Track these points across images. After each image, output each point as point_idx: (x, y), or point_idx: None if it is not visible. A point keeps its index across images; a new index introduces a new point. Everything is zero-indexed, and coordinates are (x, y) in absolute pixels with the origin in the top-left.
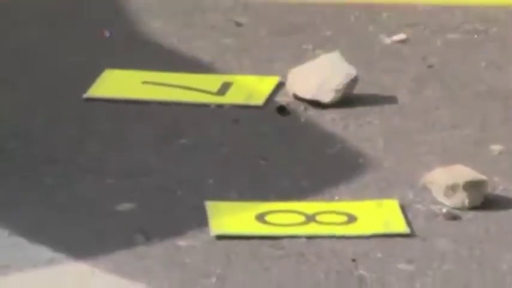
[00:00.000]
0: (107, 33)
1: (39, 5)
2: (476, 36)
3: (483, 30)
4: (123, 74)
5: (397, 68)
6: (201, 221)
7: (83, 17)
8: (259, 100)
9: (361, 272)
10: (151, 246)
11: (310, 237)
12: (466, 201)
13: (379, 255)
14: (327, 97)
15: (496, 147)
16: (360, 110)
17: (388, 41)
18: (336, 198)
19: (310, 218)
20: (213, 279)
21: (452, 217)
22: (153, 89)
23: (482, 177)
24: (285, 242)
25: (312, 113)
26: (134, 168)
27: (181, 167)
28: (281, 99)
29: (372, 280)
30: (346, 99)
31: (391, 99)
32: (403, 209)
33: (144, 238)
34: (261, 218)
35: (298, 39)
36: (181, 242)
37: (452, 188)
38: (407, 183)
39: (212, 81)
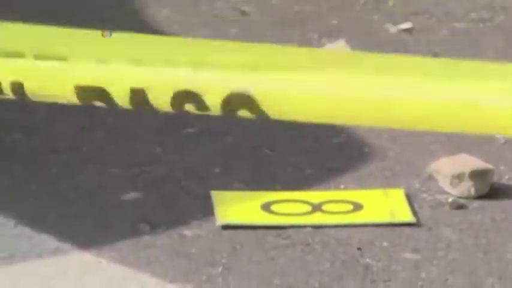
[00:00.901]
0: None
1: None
2: (482, 25)
3: (489, 19)
4: None
5: None
6: (207, 210)
7: (89, 5)
8: None
9: (367, 260)
10: (157, 235)
11: (315, 227)
12: (472, 190)
13: (385, 244)
14: None
15: (501, 136)
16: None
17: (393, 29)
18: (342, 187)
19: (316, 208)
20: (219, 269)
21: (458, 206)
22: None
23: (488, 166)
24: (290, 231)
25: None
26: (138, 157)
27: (186, 157)
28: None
29: (377, 269)
30: None
31: None
32: (409, 198)
33: (149, 228)
34: (266, 207)
35: (303, 28)
36: (187, 232)
37: (458, 177)
38: (412, 173)
39: None
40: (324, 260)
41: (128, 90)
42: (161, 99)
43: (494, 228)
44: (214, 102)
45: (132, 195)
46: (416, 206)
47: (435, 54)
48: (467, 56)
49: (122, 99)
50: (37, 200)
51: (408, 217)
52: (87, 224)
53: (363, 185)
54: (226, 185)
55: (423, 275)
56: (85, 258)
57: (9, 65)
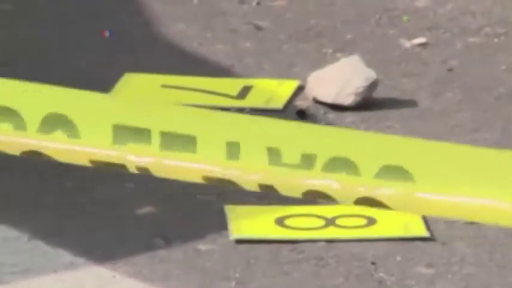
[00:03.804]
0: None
1: (58, 7)
2: (496, 39)
3: (503, 34)
4: (143, 77)
5: (417, 71)
6: (221, 225)
7: (102, 20)
8: (279, 104)
9: (380, 275)
10: (171, 250)
11: (329, 241)
12: None
13: (398, 258)
14: (347, 100)
15: None
16: (379, 113)
17: (408, 44)
18: None
19: (330, 222)
20: (233, 284)
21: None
22: (173, 93)
23: None
24: (304, 245)
25: (332, 116)
26: None
27: None
28: (301, 103)
29: (391, 283)
30: (366, 103)
31: (411, 103)
32: None
33: (164, 242)
34: (280, 221)
35: (318, 43)
36: (201, 246)
37: None
38: None
39: (232, 85)
40: (338, 275)
41: (257, 185)
42: (292, 194)
43: (509, 243)
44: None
45: (147, 210)
46: (430, 220)
47: (450, 70)
48: (481, 71)
49: (250, 188)
50: (52, 214)
51: (422, 231)
52: (102, 238)
53: None
54: (240, 200)
55: None
56: (100, 272)
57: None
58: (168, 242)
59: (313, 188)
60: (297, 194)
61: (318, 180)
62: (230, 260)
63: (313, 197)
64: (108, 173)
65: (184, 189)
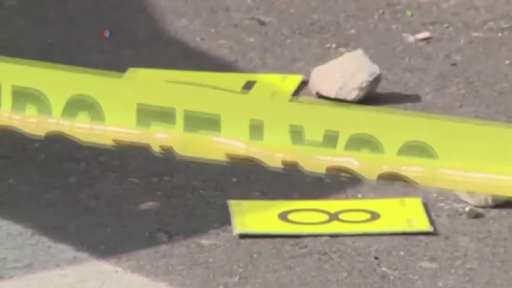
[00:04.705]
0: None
1: (61, 3)
2: (500, 34)
3: (507, 28)
4: (147, 73)
5: (421, 66)
6: (224, 220)
7: (105, 16)
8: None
9: (383, 269)
10: (174, 245)
11: (333, 236)
12: (489, 199)
13: (401, 253)
14: (350, 95)
15: None
16: (383, 108)
17: (411, 39)
18: (359, 196)
19: (333, 216)
20: (236, 278)
21: (476, 215)
22: None
23: None
24: (307, 240)
25: None
26: (157, 167)
27: (204, 166)
28: (304, 97)
29: (394, 278)
30: (370, 98)
31: (414, 98)
32: (426, 207)
33: (167, 237)
34: (283, 216)
35: (321, 38)
36: (204, 241)
37: None
38: None
39: (236, 80)
40: (341, 269)
41: (280, 162)
42: (314, 171)
43: None
44: (371, 177)
45: (150, 205)
46: (433, 215)
47: (453, 64)
48: (485, 65)
49: (274, 166)
50: (55, 210)
51: (425, 226)
52: (105, 233)
53: (380, 194)
54: (243, 195)
55: (440, 284)
56: (103, 267)
57: (157, 131)
58: (171, 237)
59: (336, 164)
60: (321, 170)
61: (341, 157)
62: (233, 254)
63: (337, 173)
64: (112, 168)
65: (188, 184)
